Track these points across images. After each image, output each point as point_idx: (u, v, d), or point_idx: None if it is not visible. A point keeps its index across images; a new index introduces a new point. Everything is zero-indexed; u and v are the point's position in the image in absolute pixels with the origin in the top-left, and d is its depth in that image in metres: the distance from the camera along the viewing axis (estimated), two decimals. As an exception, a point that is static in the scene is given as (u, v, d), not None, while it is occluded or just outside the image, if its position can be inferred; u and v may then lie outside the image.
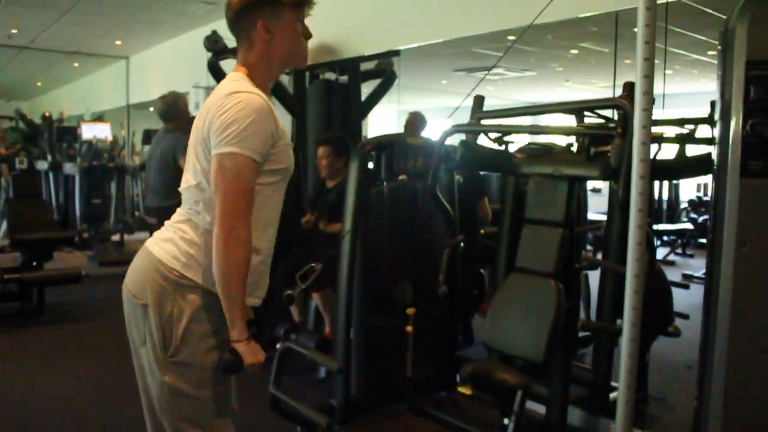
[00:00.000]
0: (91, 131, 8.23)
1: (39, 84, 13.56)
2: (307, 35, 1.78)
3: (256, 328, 1.74)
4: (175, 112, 4.66)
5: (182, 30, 7.47)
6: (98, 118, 9.77)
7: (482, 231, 4.66)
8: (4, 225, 6.74)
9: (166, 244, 1.72)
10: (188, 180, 1.74)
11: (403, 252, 3.57)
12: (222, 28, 4.93)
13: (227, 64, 4.91)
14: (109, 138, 8.39)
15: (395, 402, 3.54)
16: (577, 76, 9.03)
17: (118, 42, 8.47)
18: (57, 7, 6.62)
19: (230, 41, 4.73)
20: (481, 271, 4.83)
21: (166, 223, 1.79)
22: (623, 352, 2.06)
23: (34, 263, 5.60)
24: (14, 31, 7.90)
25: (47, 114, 9.59)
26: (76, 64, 10.49)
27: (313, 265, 3.57)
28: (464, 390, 3.28)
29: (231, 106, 1.59)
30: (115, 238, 8.10)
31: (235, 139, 1.57)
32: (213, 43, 4.69)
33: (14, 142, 9.72)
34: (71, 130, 8.91)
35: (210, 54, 4.85)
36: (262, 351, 1.71)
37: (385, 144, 3.42)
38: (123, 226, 8.16)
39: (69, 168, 8.26)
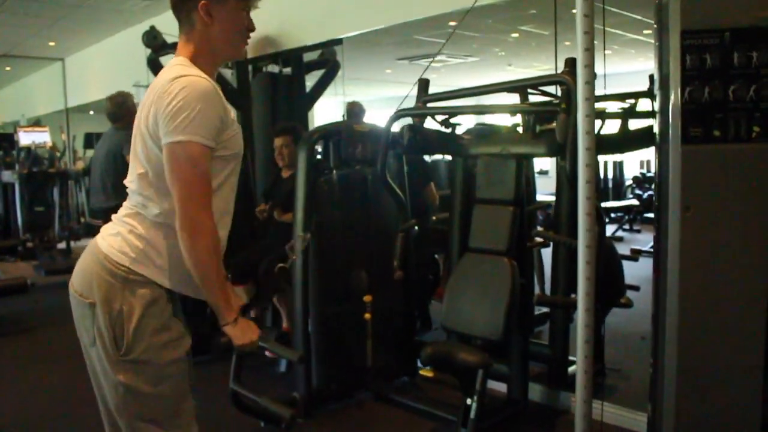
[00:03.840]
0: (29, 137, 7.95)
1: (-31, 91, 13.06)
2: (250, 28, 1.75)
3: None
4: (123, 112, 4.57)
5: (119, 28, 7.25)
6: (35, 123, 9.46)
7: (434, 217, 4.68)
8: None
9: (113, 239, 1.66)
10: (135, 171, 1.68)
11: (356, 240, 3.56)
12: (160, 23, 4.86)
13: (168, 60, 4.80)
14: (49, 143, 8.12)
15: (357, 391, 3.53)
16: (518, 59, 9.12)
17: (52, 43, 8.18)
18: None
19: (170, 37, 4.68)
20: (435, 255, 4.86)
21: (113, 217, 1.74)
22: (579, 322, 2.10)
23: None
24: (-63, 34, 7.58)
25: (-22, 121, 9.27)
26: (8, 68, 10.12)
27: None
28: (426, 373, 3.30)
29: (177, 91, 1.53)
30: (61, 245, 7.86)
31: (186, 126, 1.52)
32: (152, 39, 4.59)
33: None
34: (8, 136, 8.62)
35: (149, 51, 4.74)
36: (253, 328, 1.72)
37: (333, 132, 3.40)
38: (69, 233, 7.92)
39: (7, 176, 7.97)
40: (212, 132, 1.57)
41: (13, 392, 3.80)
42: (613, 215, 8.81)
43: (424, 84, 3.17)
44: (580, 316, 2.08)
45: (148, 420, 1.67)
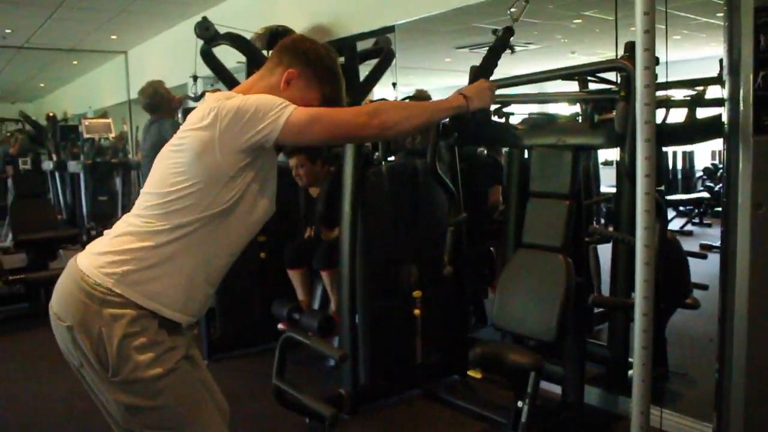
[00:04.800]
0: (92, 128, 8.14)
1: (42, 85, 13.46)
2: None
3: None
4: (158, 102, 4.59)
5: (176, 20, 7.32)
6: (102, 115, 9.69)
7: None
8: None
9: (96, 258, 1.60)
10: (159, 186, 1.62)
11: (407, 233, 3.46)
12: (212, 14, 4.84)
13: (220, 51, 4.79)
14: (112, 134, 8.30)
15: (406, 388, 3.45)
16: (582, 46, 8.80)
17: (114, 36, 8.33)
18: (47, 3, 6.51)
19: (222, 27, 4.65)
20: (491, 249, 4.72)
21: (106, 233, 1.68)
22: (636, 327, 1.95)
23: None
24: (8, 31, 7.79)
25: (51, 114, 9.58)
26: (75, 62, 10.38)
27: None
28: (474, 374, 3.19)
29: (243, 102, 1.58)
30: (124, 234, 8.03)
31: (275, 110, 1.57)
32: (204, 29, 4.56)
33: (26, 145, 9.75)
34: (74, 128, 8.86)
35: (202, 42, 4.73)
36: (476, 86, 1.94)
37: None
38: (131, 222, 8.09)
39: (73, 166, 8.21)
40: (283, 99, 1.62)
41: (67, 381, 3.84)
42: (681, 208, 8.45)
43: (474, 72, 3.04)
44: (638, 321, 1.92)
45: (159, 428, 1.63)
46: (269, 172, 1.71)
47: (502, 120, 3.13)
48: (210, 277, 1.68)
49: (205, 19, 4.58)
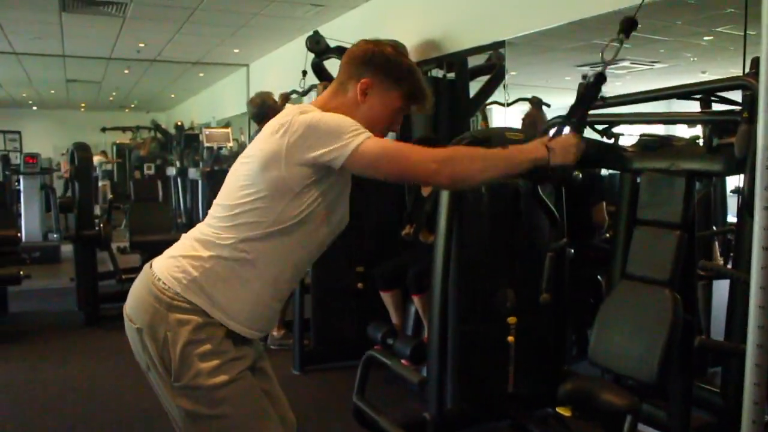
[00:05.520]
0: (211, 138, 8.50)
1: (173, 95, 14.29)
2: (393, 128, 1.75)
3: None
4: (266, 111, 4.70)
5: (294, 35, 7.52)
6: (225, 125, 10.14)
7: (608, 234, 4.31)
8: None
9: (169, 262, 1.62)
10: (237, 196, 1.61)
11: (505, 256, 3.31)
12: (326, 29, 4.90)
13: (331, 64, 4.85)
14: (230, 144, 8.64)
15: (495, 418, 3.29)
16: (714, 65, 8.26)
17: (236, 50, 8.69)
18: (174, 19, 6.86)
19: (332, 41, 4.70)
20: (598, 277, 4.46)
21: (183, 236, 1.70)
22: (747, 379, 1.73)
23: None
24: (141, 45, 8.29)
25: (179, 123, 10.14)
26: (202, 74, 10.91)
27: None
28: (563, 411, 2.98)
29: (318, 120, 1.56)
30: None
31: (348, 136, 1.53)
32: (315, 43, 4.66)
33: (155, 151, 10.39)
34: (196, 137, 9.32)
35: (313, 55, 4.82)
36: (561, 141, 1.81)
37: (482, 139, 3.18)
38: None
39: (193, 173, 8.61)
40: (357, 123, 1.58)
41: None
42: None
43: (582, 89, 2.86)
44: (749, 372, 1.70)
45: None
46: (342, 190, 1.68)
47: (611, 140, 2.93)
48: (277, 293, 1.67)
49: (316, 33, 4.67)
